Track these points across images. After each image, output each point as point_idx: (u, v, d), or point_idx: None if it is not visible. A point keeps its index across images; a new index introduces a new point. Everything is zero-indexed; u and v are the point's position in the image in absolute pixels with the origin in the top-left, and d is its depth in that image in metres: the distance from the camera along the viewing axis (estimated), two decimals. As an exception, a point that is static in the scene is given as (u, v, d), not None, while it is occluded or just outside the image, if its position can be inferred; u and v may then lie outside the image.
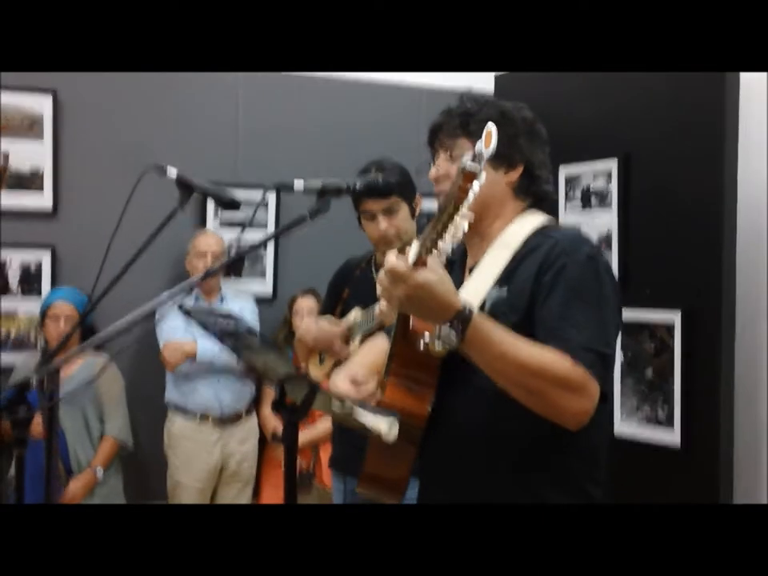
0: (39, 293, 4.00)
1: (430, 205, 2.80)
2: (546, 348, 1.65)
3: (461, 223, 1.53)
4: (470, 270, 1.87)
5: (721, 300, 2.95)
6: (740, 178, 2.97)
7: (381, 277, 1.63)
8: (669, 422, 3.08)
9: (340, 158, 3.75)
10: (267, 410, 4.05)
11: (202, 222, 4.25)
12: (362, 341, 2.54)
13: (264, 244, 1.85)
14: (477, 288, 1.80)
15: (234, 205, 1.95)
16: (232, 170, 4.25)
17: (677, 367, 3.06)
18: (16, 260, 4.00)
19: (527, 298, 1.73)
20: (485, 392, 1.71)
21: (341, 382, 1.90)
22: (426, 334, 1.67)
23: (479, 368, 1.67)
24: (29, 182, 4.01)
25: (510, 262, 1.79)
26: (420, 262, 1.57)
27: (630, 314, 3.16)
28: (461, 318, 1.59)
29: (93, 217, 3.90)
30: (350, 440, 2.05)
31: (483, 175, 1.51)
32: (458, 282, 1.84)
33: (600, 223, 3.37)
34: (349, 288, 2.82)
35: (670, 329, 3.09)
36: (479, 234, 1.85)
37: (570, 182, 3.48)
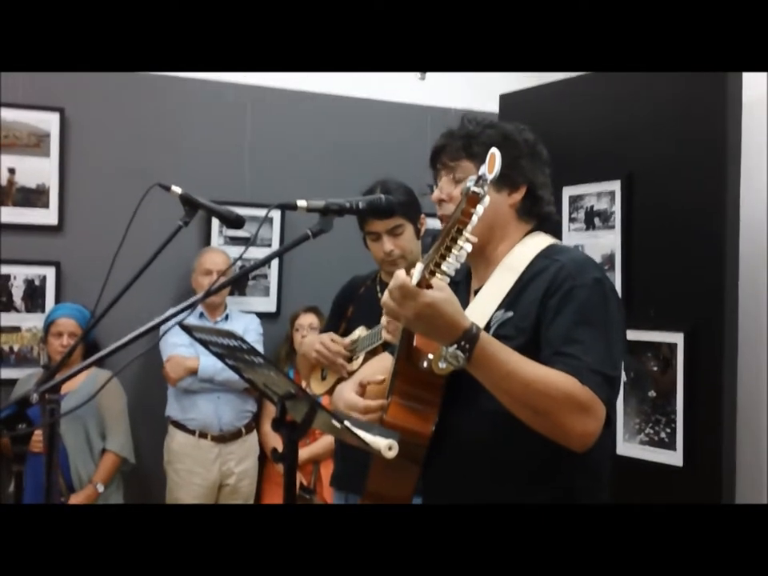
0: (43, 309, 4.02)
1: (434, 224, 2.82)
2: (552, 370, 1.65)
3: (464, 246, 1.55)
4: (475, 292, 1.88)
5: (723, 321, 2.94)
6: (742, 199, 2.97)
7: (386, 296, 1.64)
8: (671, 442, 3.07)
9: (346, 177, 3.76)
10: (268, 426, 4.05)
11: (207, 239, 4.27)
12: (365, 358, 2.55)
13: (265, 263, 1.86)
14: (482, 310, 1.80)
15: (237, 222, 1.96)
16: (239, 189, 4.27)
17: (679, 388, 3.05)
18: (21, 275, 4.02)
19: (533, 320, 1.74)
20: (488, 412, 1.71)
21: (348, 393, 1.91)
22: (430, 354, 1.68)
23: (483, 388, 1.67)
24: (35, 198, 4.03)
25: (516, 285, 1.80)
26: (423, 284, 1.58)
27: (633, 335, 3.15)
28: (468, 338, 1.60)
29: (98, 233, 3.91)
30: (352, 457, 2.06)
31: (487, 199, 1.53)
32: (463, 304, 1.83)
33: (603, 244, 3.37)
34: (353, 306, 2.83)
35: (672, 349, 3.08)
36: (484, 257, 1.86)
37: (574, 202, 3.49)
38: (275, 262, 4.41)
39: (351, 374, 2.51)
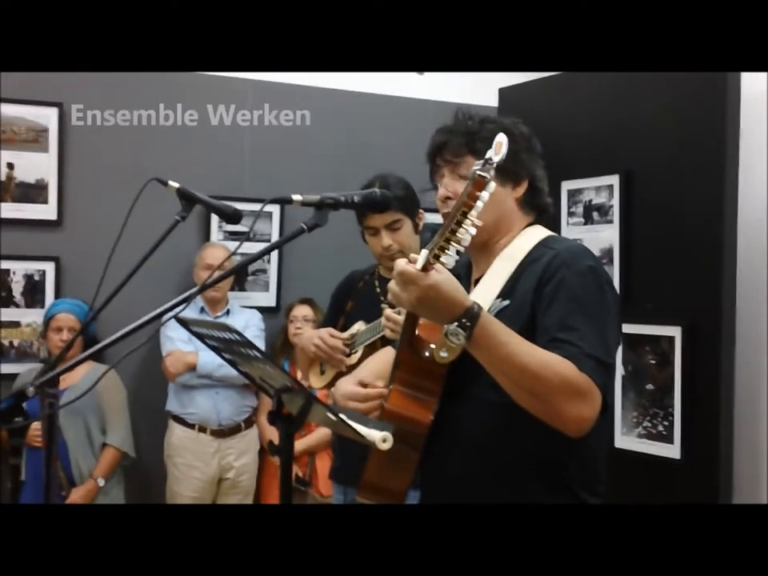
0: (43, 304, 4.03)
1: (433, 219, 2.82)
2: (551, 354, 1.66)
3: (469, 230, 1.57)
4: (476, 282, 1.90)
5: (721, 314, 2.95)
6: (741, 194, 2.98)
7: (391, 283, 1.67)
8: (669, 436, 3.08)
9: (345, 171, 3.77)
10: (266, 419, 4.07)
11: (207, 234, 4.27)
12: (364, 353, 2.56)
13: (260, 256, 1.86)
14: (481, 299, 1.81)
15: (235, 217, 1.97)
16: (238, 183, 4.27)
17: (677, 381, 3.06)
18: (20, 271, 4.03)
19: (528, 308, 1.76)
20: (488, 403, 1.73)
21: (348, 385, 1.93)
22: (432, 343, 1.69)
23: (484, 380, 1.69)
24: (34, 193, 4.04)
25: (513, 274, 1.82)
26: (429, 268, 1.60)
27: (631, 328, 3.17)
28: (469, 316, 1.62)
29: (97, 228, 3.91)
30: (351, 451, 2.06)
31: (492, 185, 1.55)
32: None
33: (602, 238, 3.37)
34: (352, 301, 2.84)
35: (670, 343, 3.09)
36: (487, 248, 1.89)
37: (572, 196, 3.49)
38: (275, 258, 4.43)
39: (350, 368, 2.52)
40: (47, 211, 4.06)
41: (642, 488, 3.13)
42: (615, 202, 3.32)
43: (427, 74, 4.61)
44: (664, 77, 3.02)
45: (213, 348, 1.70)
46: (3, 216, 3.96)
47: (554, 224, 2.13)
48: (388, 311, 2.35)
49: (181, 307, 1.64)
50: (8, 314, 4.01)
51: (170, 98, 4.12)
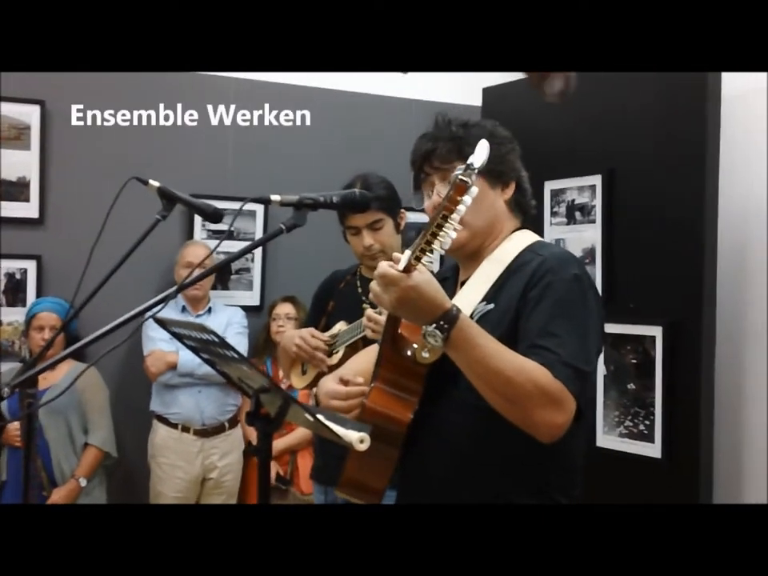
0: (24, 302, 4.01)
1: (415, 219, 2.83)
2: (527, 359, 1.67)
3: (449, 233, 1.59)
4: (462, 284, 1.91)
5: (702, 314, 2.97)
6: (721, 193, 3.00)
7: (372, 283, 1.69)
8: (650, 435, 3.09)
9: (329, 170, 3.76)
10: (248, 418, 4.06)
11: (190, 233, 4.26)
12: (345, 353, 2.56)
13: (239, 256, 1.86)
14: (466, 302, 1.83)
15: (215, 216, 1.97)
16: (222, 182, 4.26)
17: (658, 380, 3.08)
18: (2, 269, 4.00)
19: (512, 313, 1.77)
20: (467, 405, 1.74)
21: (330, 383, 1.94)
22: (414, 343, 1.70)
23: (464, 381, 1.70)
24: (16, 191, 4.01)
25: (499, 278, 1.84)
26: (409, 269, 1.62)
27: (613, 328, 3.19)
28: (447, 318, 1.64)
29: (80, 227, 3.89)
30: (331, 451, 2.07)
31: (474, 189, 1.56)
32: (452, 296, 1.87)
33: (584, 238, 3.39)
34: (333, 301, 2.83)
35: (652, 342, 3.10)
36: (475, 251, 1.90)
37: (555, 196, 3.50)
38: (258, 257, 4.42)
39: (331, 368, 2.51)
40: (29, 209, 4.04)
41: (622, 487, 3.15)
42: (598, 201, 3.34)
43: (411, 74, 4.61)
44: (646, 77, 3.04)
45: (191, 348, 1.70)
46: (-15, 214, 3.94)
47: (536, 224, 2.14)
48: (369, 311, 2.35)
49: (159, 307, 1.63)
50: (-11, 312, 3.99)
51: (154, 96, 4.09)
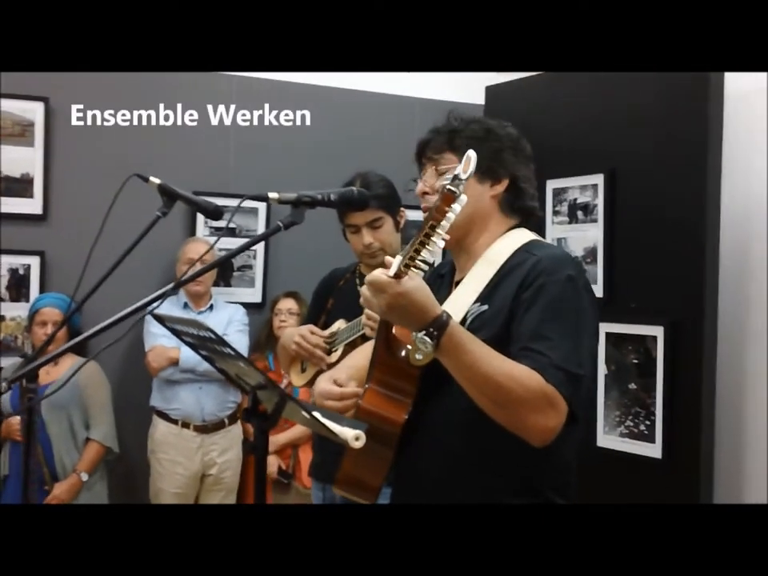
0: (28, 298, 4.02)
1: (415, 216, 2.82)
2: (518, 364, 1.67)
3: (437, 242, 1.59)
4: (456, 285, 1.90)
5: (703, 314, 2.97)
6: (723, 193, 3.00)
7: (363, 288, 1.70)
8: (651, 435, 3.09)
9: (331, 168, 3.74)
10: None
11: (192, 230, 4.27)
12: (344, 351, 2.56)
13: (236, 253, 1.87)
14: (459, 303, 1.83)
15: (216, 213, 1.97)
16: (224, 180, 4.27)
17: (659, 380, 3.07)
18: (5, 265, 4.01)
19: (506, 314, 1.76)
20: (460, 407, 1.73)
21: (324, 383, 1.94)
22: (408, 345, 1.71)
23: (456, 383, 1.70)
24: (19, 187, 4.02)
25: (493, 278, 1.82)
26: (400, 276, 1.62)
27: (614, 327, 3.19)
28: (437, 325, 1.64)
29: (83, 223, 3.89)
30: (330, 448, 2.07)
31: (463, 198, 1.57)
32: (446, 296, 1.88)
33: (586, 237, 3.39)
34: (333, 299, 2.83)
35: (653, 342, 3.10)
36: (466, 250, 1.89)
37: (557, 195, 3.50)
38: (260, 253, 4.43)
39: (330, 366, 2.52)
40: (33, 205, 4.05)
41: (623, 487, 3.15)
42: (600, 201, 3.33)
43: (414, 72, 4.61)
44: (648, 76, 3.04)
45: (189, 345, 1.70)
46: (-12, 210, 3.95)
47: (538, 223, 2.13)
48: (368, 310, 2.35)
49: (157, 303, 1.64)
50: (-7, 307, 4.01)
51: (157, 94, 4.10)
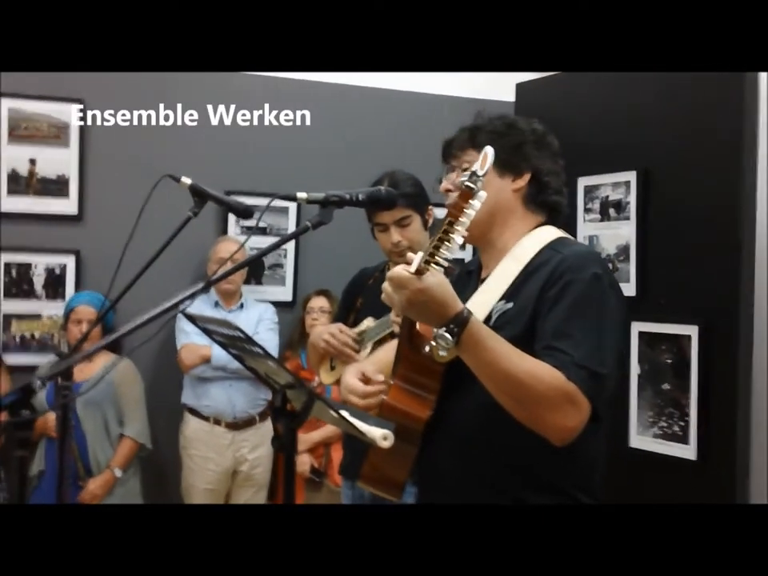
0: (63, 296, 4.08)
1: (443, 214, 2.82)
2: (539, 362, 1.66)
3: (456, 239, 1.60)
4: (482, 281, 1.90)
5: (738, 313, 2.94)
6: (759, 192, 2.96)
7: (385, 284, 1.70)
8: (684, 436, 3.06)
9: (361, 167, 3.74)
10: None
11: (224, 229, 4.30)
12: (373, 349, 2.57)
13: (265, 253, 1.88)
14: (485, 300, 1.83)
15: (246, 213, 1.99)
16: (255, 179, 4.28)
17: (693, 380, 3.04)
18: (41, 264, 4.08)
19: (531, 312, 1.75)
20: (485, 404, 1.72)
21: (350, 377, 1.94)
22: (432, 341, 1.70)
23: (479, 379, 1.69)
24: (55, 188, 4.08)
25: (519, 276, 1.82)
26: (421, 272, 1.62)
27: (647, 326, 3.17)
28: (457, 322, 1.63)
29: (117, 222, 3.88)
30: (360, 447, 2.08)
31: (482, 194, 1.57)
32: (472, 293, 1.88)
33: (618, 235, 3.36)
34: (362, 297, 2.84)
35: (687, 342, 3.07)
36: (491, 246, 1.89)
37: (589, 193, 3.48)
38: (291, 252, 4.45)
39: (358, 363, 2.52)
40: (68, 206, 4.11)
41: (657, 488, 3.12)
42: (632, 198, 3.31)
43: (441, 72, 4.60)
44: (682, 75, 3.00)
45: (220, 343, 1.72)
46: (25, 210, 4.02)
47: (569, 220, 2.12)
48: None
49: (187, 302, 1.65)
50: (29, 306, 4.07)
51: (190, 94, 4.12)
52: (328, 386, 3.10)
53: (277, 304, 4.32)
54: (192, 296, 1.64)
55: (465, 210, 1.57)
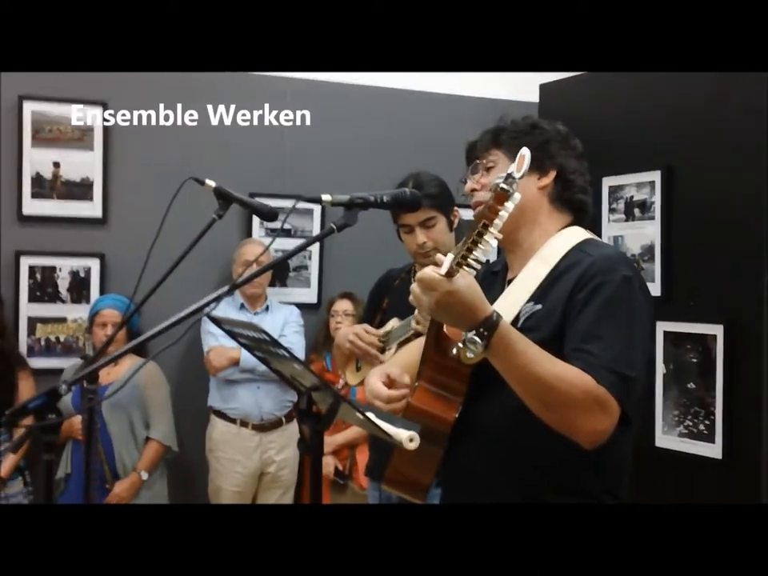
0: (88, 300, 4.10)
1: (468, 216, 2.81)
2: (569, 366, 1.65)
3: (490, 241, 1.58)
4: (509, 283, 1.89)
5: (763, 312, 2.92)
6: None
7: (413, 285, 1.68)
8: (710, 435, 3.04)
9: (385, 168, 3.75)
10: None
11: (248, 231, 4.32)
12: (398, 349, 2.56)
13: (289, 256, 1.89)
14: (512, 301, 1.81)
15: (271, 215, 1.98)
16: (279, 181, 4.30)
17: (719, 379, 3.02)
18: (66, 267, 4.11)
19: (560, 315, 1.74)
20: (512, 406, 1.71)
21: (374, 381, 1.94)
22: (459, 343, 1.69)
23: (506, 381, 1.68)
24: (79, 191, 4.11)
25: (547, 278, 1.80)
26: (453, 273, 1.61)
27: (672, 326, 3.15)
28: (487, 325, 1.62)
29: (141, 225, 3.91)
30: (385, 448, 2.08)
31: (517, 196, 1.55)
32: (499, 294, 1.87)
33: (643, 234, 3.35)
34: (388, 298, 2.84)
35: (713, 341, 3.05)
36: (518, 246, 1.88)
37: (613, 193, 3.46)
38: (316, 254, 4.46)
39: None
40: (92, 209, 4.13)
41: (683, 487, 3.11)
42: (657, 198, 3.29)
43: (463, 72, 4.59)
44: (706, 74, 2.98)
45: (245, 346, 1.72)
46: (49, 213, 4.05)
47: (594, 220, 2.11)
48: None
49: (212, 305, 1.65)
50: (55, 309, 4.10)
51: (213, 95, 4.13)
52: (353, 387, 3.10)
53: (301, 306, 4.33)
54: (217, 299, 1.64)
55: (499, 211, 1.55)
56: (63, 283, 4.11)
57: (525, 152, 1.59)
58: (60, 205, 4.07)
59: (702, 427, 3.08)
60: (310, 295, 4.49)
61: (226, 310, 3.97)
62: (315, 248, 4.45)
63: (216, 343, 3.97)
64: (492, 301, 1.73)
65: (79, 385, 1.73)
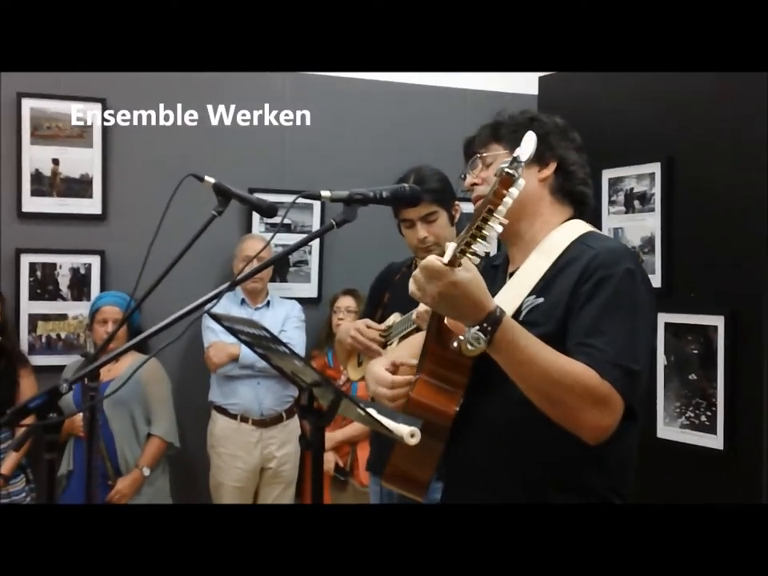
0: (89, 296, 4.11)
1: (469, 210, 2.81)
2: (573, 361, 1.65)
3: (495, 227, 1.56)
4: (510, 276, 1.88)
5: (764, 303, 2.91)
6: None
7: (415, 274, 1.65)
8: (712, 426, 3.04)
9: (384, 162, 3.75)
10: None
11: (248, 227, 4.31)
12: (400, 344, 2.56)
13: (289, 252, 1.88)
14: (514, 295, 1.80)
15: (270, 211, 1.98)
16: (278, 176, 4.30)
17: (720, 371, 3.02)
18: (66, 264, 4.11)
19: (563, 308, 1.73)
20: (513, 399, 1.70)
21: (378, 367, 1.94)
22: (460, 335, 1.68)
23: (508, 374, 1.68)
24: (79, 188, 4.11)
25: (549, 271, 1.80)
26: (455, 263, 1.58)
27: (673, 317, 3.15)
28: (491, 321, 1.61)
29: (141, 222, 3.91)
30: (387, 443, 2.08)
31: (521, 182, 1.54)
32: (500, 287, 1.86)
33: (643, 226, 3.34)
34: (389, 293, 2.84)
35: (714, 332, 3.05)
36: (520, 239, 1.87)
37: (613, 185, 3.46)
38: (316, 249, 4.47)
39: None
40: (92, 206, 4.13)
41: (685, 478, 3.11)
42: (657, 190, 3.28)
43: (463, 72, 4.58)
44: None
45: (245, 343, 1.72)
46: (49, 211, 4.05)
47: (594, 212, 2.10)
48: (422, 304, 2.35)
49: (213, 302, 1.65)
50: (55, 306, 4.10)
51: (212, 92, 4.13)
52: (355, 383, 3.11)
53: (302, 301, 4.33)
54: (218, 295, 1.65)
55: (504, 197, 1.53)
56: (64, 280, 4.11)
57: (530, 134, 1.58)
58: (60, 202, 4.07)
59: (703, 418, 3.08)
60: (310, 290, 4.50)
61: (227, 305, 3.97)
62: (315, 243, 4.45)
63: (216, 339, 3.97)
64: (493, 294, 1.72)
65: (80, 382, 1.73)
